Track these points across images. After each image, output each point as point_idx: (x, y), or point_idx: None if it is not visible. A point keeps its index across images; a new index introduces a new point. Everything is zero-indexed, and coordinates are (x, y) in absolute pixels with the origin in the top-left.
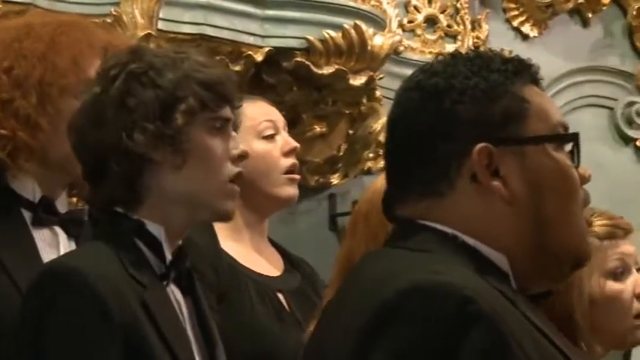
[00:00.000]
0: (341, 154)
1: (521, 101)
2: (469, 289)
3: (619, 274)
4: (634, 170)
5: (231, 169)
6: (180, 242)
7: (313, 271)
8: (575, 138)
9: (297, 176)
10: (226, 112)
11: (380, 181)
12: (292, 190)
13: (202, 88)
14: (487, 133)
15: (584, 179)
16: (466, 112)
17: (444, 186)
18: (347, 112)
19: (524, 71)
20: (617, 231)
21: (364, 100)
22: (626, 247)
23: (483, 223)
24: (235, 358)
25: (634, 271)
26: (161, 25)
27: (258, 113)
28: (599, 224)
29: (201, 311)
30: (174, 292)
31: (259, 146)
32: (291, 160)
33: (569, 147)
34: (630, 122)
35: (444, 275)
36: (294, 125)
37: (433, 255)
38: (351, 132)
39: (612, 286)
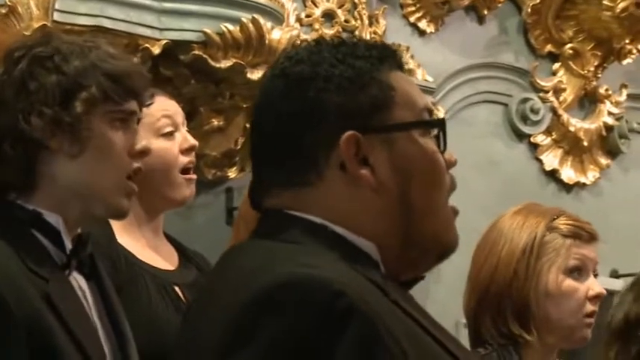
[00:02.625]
0: (238, 147)
1: (388, 88)
2: (340, 282)
3: (577, 274)
4: (528, 166)
5: (131, 164)
6: (79, 230)
7: (209, 265)
8: (440, 123)
9: (194, 176)
10: (131, 105)
11: None
12: (188, 192)
13: (108, 79)
14: (354, 122)
15: (451, 164)
16: (332, 101)
17: (313, 175)
18: (244, 105)
19: (389, 57)
20: (582, 233)
21: None
22: (589, 250)
23: (352, 212)
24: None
25: (591, 274)
26: (57, 16)
27: (156, 109)
28: (565, 223)
29: (106, 295)
30: (78, 280)
31: (157, 144)
32: (188, 158)
33: (435, 132)
34: (525, 118)
35: (314, 268)
36: (191, 118)
37: (302, 246)
38: (248, 126)
39: (569, 283)
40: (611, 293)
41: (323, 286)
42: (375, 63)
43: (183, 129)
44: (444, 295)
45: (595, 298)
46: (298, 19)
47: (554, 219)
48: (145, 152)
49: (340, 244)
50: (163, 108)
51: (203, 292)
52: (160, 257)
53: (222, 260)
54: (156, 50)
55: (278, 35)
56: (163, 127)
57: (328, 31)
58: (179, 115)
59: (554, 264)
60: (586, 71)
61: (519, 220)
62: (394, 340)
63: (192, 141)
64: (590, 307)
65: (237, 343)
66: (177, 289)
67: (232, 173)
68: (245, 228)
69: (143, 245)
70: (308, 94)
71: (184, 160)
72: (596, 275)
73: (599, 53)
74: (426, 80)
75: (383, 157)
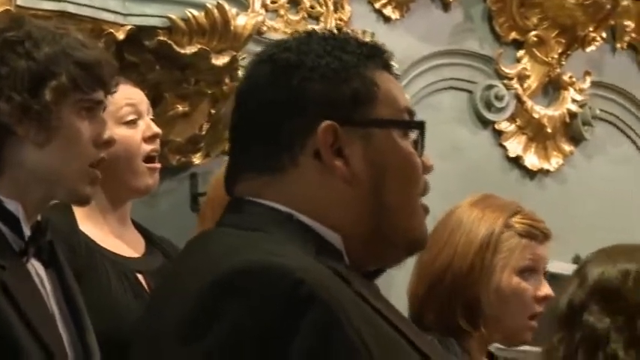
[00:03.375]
0: (203, 133)
1: (371, 85)
2: (301, 270)
3: (528, 274)
4: (492, 152)
5: (96, 154)
6: (39, 217)
7: (176, 250)
8: (420, 126)
9: (157, 165)
10: (99, 95)
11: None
12: (151, 181)
13: (78, 68)
14: (334, 113)
15: (427, 168)
16: (314, 90)
17: (286, 161)
18: (209, 91)
19: (377, 56)
20: (537, 233)
21: (227, 80)
22: (542, 250)
23: (321, 202)
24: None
25: (542, 276)
26: (20, 1)
27: (120, 97)
28: (521, 222)
29: (65, 283)
30: (36, 267)
31: (120, 132)
32: (152, 146)
33: (414, 135)
34: (489, 106)
35: (276, 256)
36: (156, 104)
37: (267, 235)
38: (213, 112)
39: (519, 283)
40: None
41: (284, 274)
42: (362, 59)
43: (147, 117)
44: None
45: (543, 300)
46: (263, 5)
47: (512, 216)
48: (110, 142)
49: (304, 233)
50: (127, 96)
51: (167, 279)
52: (124, 245)
53: (187, 248)
54: (120, 36)
55: (243, 21)
56: (126, 116)
57: (293, 17)
58: (143, 104)
59: (508, 263)
60: (550, 58)
61: (478, 213)
62: (354, 329)
63: (156, 129)
64: (537, 309)
65: (198, 328)
66: (140, 276)
67: (197, 159)
68: (212, 214)
69: (106, 233)
70: (292, 82)
71: (147, 148)
72: (545, 273)
73: (563, 40)
74: None
75: (358, 151)
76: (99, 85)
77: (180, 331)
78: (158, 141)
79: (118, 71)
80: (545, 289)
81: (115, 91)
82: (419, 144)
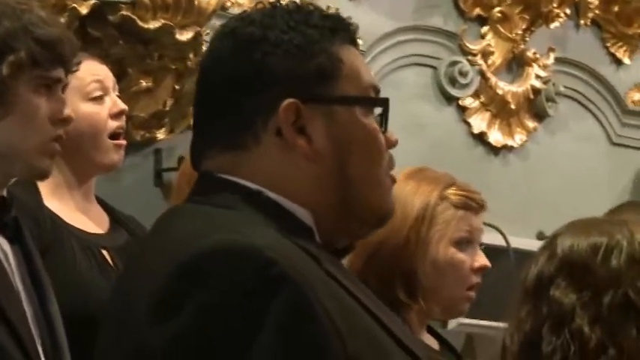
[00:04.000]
0: (167, 109)
1: (336, 61)
2: (271, 250)
3: (464, 245)
4: (456, 129)
5: (53, 131)
6: (4, 193)
7: (141, 227)
8: (384, 103)
9: (123, 142)
10: (58, 73)
11: None
12: (116, 157)
13: (38, 45)
14: (297, 89)
15: (391, 144)
16: (277, 66)
17: (250, 139)
18: (173, 67)
19: (342, 31)
20: (472, 204)
21: (191, 56)
22: (477, 221)
23: (288, 179)
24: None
25: (478, 246)
26: None
27: (86, 73)
28: (456, 193)
29: (30, 259)
30: (1, 243)
31: (86, 108)
32: (118, 123)
33: (378, 110)
34: (453, 82)
35: (247, 237)
36: (119, 80)
37: (236, 212)
38: (177, 87)
39: (456, 254)
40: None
41: (254, 254)
42: (327, 34)
43: (114, 94)
44: None
45: (480, 270)
46: None
47: (447, 188)
48: (67, 120)
49: (274, 210)
50: (93, 72)
51: (135, 258)
52: (89, 221)
53: (157, 225)
54: (83, 10)
55: None
56: (93, 92)
57: None
58: (109, 80)
59: (444, 235)
60: (514, 35)
61: (412, 186)
62: (324, 309)
63: (123, 106)
64: (474, 279)
65: (168, 310)
66: (105, 252)
67: (161, 135)
68: (188, 187)
69: (72, 209)
70: (254, 57)
71: (113, 124)
72: (480, 245)
73: (527, 17)
74: None
75: (321, 128)
76: (59, 62)
77: (150, 313)
78: (124, 118)
79: (79, 49)
80: (482, 260)
81: (75, 70)
82: (383, 120)
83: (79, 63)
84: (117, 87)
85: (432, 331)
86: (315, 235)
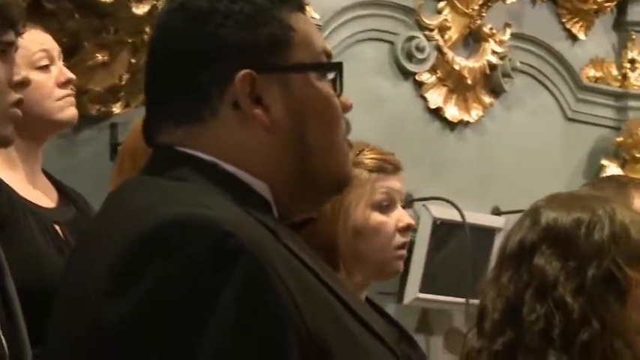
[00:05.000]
0: (123, 83)
1: (287, 29)
2: (229, 222)
3: (384, 207)
4: (413, 104)
5: (12, 95)
6: None
7: (87, 204)
8: (338, 67)
9: (73, 100)
10: (10, 36)
11: None
12: (71, 111)
13: None
14: (250, 60)
15: (346, 108)
16: (229, 37)
17: (206, 112)
18: (129, 40)
19: None
20: (387, 166)
21: (147, 29)
22: (394, 182)
23: (245, 151)
24: (15, 285)
25: (399, 206)
26: None
27: (32, 43)
28: (369, 157)
29: None
30: None
31: (33, 77)
32: (65, 91)
33: (332, 76)
34: (410, 57)
35: (203, 208)
36: (75, 53)
37: (192, 185)
38: (133, 61)
39: (377, 217)
40: (492, 230)
41: (211, 226)
42: (276, 2)
43: (60, 63)
44: None
45: (405, 230)
46: None
47: (358, 153)
48: (25, 83)
49: (231, 183)
50: (39, 41)
51: (87, 235)
52: (41, 194)
53: (110, 199)
54: None
55: None
56: (39, 60)
57: None
58: (55, 49)
59: (361, 200)
60: (470, 10)
61: None
62: (283, 283)
63: (69, 74)
64: (400, 239)
65: (124, 284)
66: (57, 227)
67: (117, 109)
68: (131, 164)
69: (24, 181)
70: (206, 29)
71: (61, 93)
72: (403, 206)
73: None
74: (312, 17)
75: (278, 97)
76: (9, 26)
77: (107, 287)
78: (71, 87)
79: (25, 12)
80: (406, 219)
81: (23, 32)
82: (337, 85)
83: (24, 25)
84: (62, 56)
85: (372, 305)
86: (273, 208)
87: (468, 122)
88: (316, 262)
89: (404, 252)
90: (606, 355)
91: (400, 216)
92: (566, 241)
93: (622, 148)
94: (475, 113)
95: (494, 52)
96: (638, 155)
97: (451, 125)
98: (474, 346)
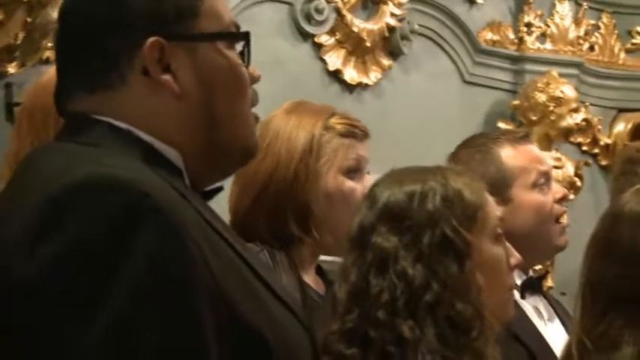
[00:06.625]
0: (19, 42)
1: None
2: (145, 183)
3: (353, 174)
4: (312, 66)
5: None
6: None
7: None
8: (246, 37)
9: None
10: None
11: (46, 76)
12: None
13: None
14: (159, 28)
15: (254, 79)
16: (139, 5)
17: (116, 79)
18: None
19: None
20: (357, 132)
21: None
22: (363, 149)
23: (156, 119)
24: None
25: (366, 174)
26: None
27: None
28: (341, 122)
29: None
30: None
31: None
32: None
33: (239, 46)
34: (309, 18)
35: (118, 169)
36: None
37: (106, 150)
38: (29, 20)
39: (347, 183)
40: None
41: (126, 187)
42: None
43: None
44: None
45: None
46: None
47: (329, 118)
48: None
49: (144, 149)
50: None
51: (3, 195)
52: None
53: (24, 164)
54: None
55: None
56: None
57: None
58: None
59: (332, 164)
60: None
61: (295, 120)
62: (197, 246)
63: None
64: None
65: (37, 245)
66: None
67: (12, 69)
68: (29, 125)
69: None
70: None
71: None
72: (368, 173)
73: None
74: None
75: (186, 66)
76: None
77: (18, 249)
78: None
79: None
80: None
81: None
82: (245, 55)
83: None
84: None
85: (320, 272)
86: (185, 177)
87: (366, 85)
88: (230, 232)
89: None
90: (450, 315)
91: (367, 183)
92: (400, 215)
93: (518, 111)
94: (374, 76)
95: (393, 15)
96: (534, 118)
97: (350, 87)
98: (330, 329)
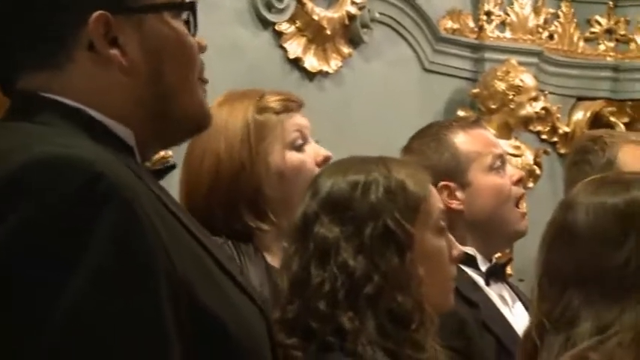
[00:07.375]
0: None
1: None
2: (100, 163)
3: (299, 146)
4: (272, 54)
5: None
6: None
7: None
8: (190, 6)
9: None
10: None
11: None
12: None
13: None
14: (104, 2)
15: (201, 48)
16: None
17: (62, 57)
18: None
19: None
20: (291, 104)
21: None
22: (302, 120)
23: (104, 95)
24: None
25: (312, 141)
26: None
27: None
28: (273, 99)
29: None
30: None
31: None
32: None
33: (185, 16)
34: (269, 6)
35: (72, 148)
36: None
37: (56, 128)
38: None
39: (294, 156)
40: None
41: (81, 167)
42: None
43: None
44: None
45: (325, 161)
46: None
47: (260, 99)
48: None
49: (95, 127)
50: None
51: None
52: None
53: None
54: None
55: None
56: None
57: None
58: None
59: (275, 143)
60: None
61: (227, 109)
62: (154, 227)
63: None
64: None
65: None
66: None
67: None
68: None
69: None
70: None
71: None
72: (317, 142)
73: None
74: None
75: (133, 38)
76: None
77: None
78: None
79: None
80: (322, 152)
81: None
82: (191, 24)
83: None
84: None
85: None
86: (137, 154)
87: (327, 73)
88: (183, 212)
89: None
90: (390, 307)
91: (316, 150)
92: (343, 205)
93: (478, 99)
94: (334, 64)
95: (353, 3)
96: (493, 106)
97: (310, 75)
98: (274, 318)
